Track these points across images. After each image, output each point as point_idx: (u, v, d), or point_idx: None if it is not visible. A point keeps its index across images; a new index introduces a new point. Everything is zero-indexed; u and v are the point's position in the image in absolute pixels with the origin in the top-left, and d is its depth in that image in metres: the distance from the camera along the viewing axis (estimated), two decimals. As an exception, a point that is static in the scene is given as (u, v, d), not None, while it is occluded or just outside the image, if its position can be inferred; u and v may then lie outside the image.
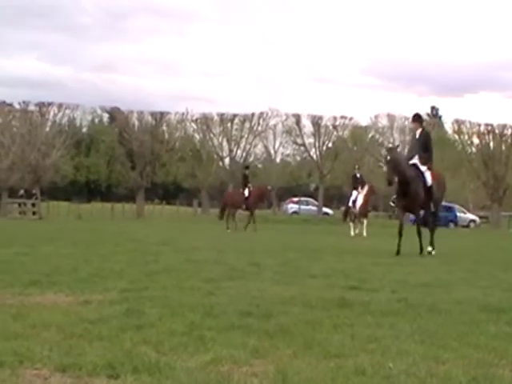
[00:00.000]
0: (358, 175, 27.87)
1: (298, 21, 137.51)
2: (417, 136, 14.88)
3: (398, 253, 13.85)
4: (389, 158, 14.47)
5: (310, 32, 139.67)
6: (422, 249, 14.22)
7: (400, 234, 14.22)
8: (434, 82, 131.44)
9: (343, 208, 31.64)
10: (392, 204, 15.52)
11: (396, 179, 14.21)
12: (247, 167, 32.34)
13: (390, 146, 14.80)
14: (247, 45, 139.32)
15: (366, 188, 27.00)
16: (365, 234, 25.84)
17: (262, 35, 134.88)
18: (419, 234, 14.47)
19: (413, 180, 14.21)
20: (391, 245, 14.16)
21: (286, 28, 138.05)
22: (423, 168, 14.52)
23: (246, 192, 29.06)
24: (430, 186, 14.53)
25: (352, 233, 25.96)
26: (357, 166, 30.07)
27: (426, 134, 15.02)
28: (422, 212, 15.18)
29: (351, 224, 26.65)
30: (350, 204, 27.04)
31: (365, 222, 26.88)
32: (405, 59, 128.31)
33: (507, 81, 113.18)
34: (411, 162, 14.51)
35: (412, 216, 25.79)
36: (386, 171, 15.03)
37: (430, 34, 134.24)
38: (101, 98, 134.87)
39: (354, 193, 26.98)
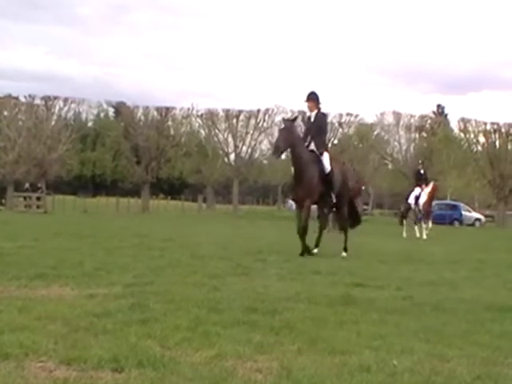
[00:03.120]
0: (422, 171, 25.01)
1: (303, 18, 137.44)
2: (312, 118, 12.90)
3: (303, 253, 12.24)
4: (283, 125, 12.89)
5: (315, 29, 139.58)
6: (304, 250, 12.36)
7: (300, 234, 12.38)
8: (437, 80, 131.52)
9: (400, 208, 27.74)
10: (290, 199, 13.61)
11: (286, 153, 12.78)
12: (343, 163, 30.20)
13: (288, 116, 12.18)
14: (253, 41, 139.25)
15: (430, 185, 24.34)
16: (424, 236, 22.80)
17: (268, 32, 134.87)
18: (304, 231, 12.38)
19: (307, 164, 12.33)
20: (396, 243, 14.14)
21: (292, 25, 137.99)
22: (322, 154, 12.64)
23: None
24: (329, 174, 12.55)
25: (405, 233, 23.17)
26: (420, 161, 26.85)
27: (322, 116, 13.02)
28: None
29: (405, 222, 24.01)
30: (412, 201, 24.17)
31: (429, 223, 24.09)
32: (408, 57, 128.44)
33: (511, 79, 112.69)
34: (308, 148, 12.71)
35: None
36: (276, 139, 12.82)
37: (433, 32, 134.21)
38: (106, 93, 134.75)
39: (417, 189, 24.20)
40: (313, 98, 12.81)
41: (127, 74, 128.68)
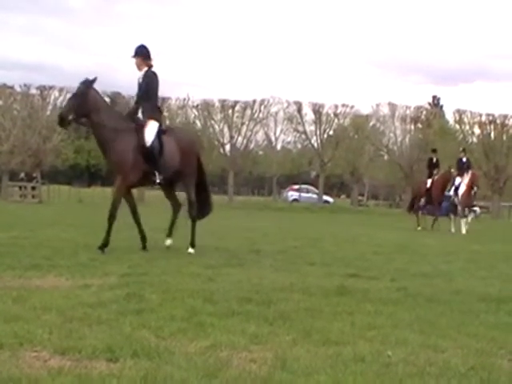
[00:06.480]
0: (464, 159, 22.96)
1: (299, 9, 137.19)
2: (140, 79, 10.37)
3: (103, 246, 9.91)
4: (76, 92, 10.20)
5: (311, 20, 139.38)
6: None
7: (109, 220, 10.27)
8: (429, 71, 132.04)
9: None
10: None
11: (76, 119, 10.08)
12: (434, 150, 25.70)
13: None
14: (249, 32, 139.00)
15: (468, 174, 22.31)
16: (464, 231, 21.24)
17: (264, 22, 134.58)
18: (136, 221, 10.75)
19: (116, 136, 9.93)
20: (392, 234, 14.15)
21: (288, 16, 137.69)
22: (149, 122, 10.16)
23: (429, 182, 23.22)
24: (151, 147, 10.01)
25: (453, 228, 21.77)
26: (461, 148, 24.56)
27: (151, 75, 10.28)
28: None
29: (452, 216, 22.58)
30: (452, 193, 22.55)
31: (469, 216, 22.36)
32: (400, 49, 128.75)
33: (503, 70, 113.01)
34: (137, 116, 10.33)
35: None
36: (63, 107, 10.60)
37: (425, 24, 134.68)
38: (99, 83, 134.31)
39: (458, 179, 22.42)
40: (141, 52, 10.29)
41: (120, 64, 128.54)
